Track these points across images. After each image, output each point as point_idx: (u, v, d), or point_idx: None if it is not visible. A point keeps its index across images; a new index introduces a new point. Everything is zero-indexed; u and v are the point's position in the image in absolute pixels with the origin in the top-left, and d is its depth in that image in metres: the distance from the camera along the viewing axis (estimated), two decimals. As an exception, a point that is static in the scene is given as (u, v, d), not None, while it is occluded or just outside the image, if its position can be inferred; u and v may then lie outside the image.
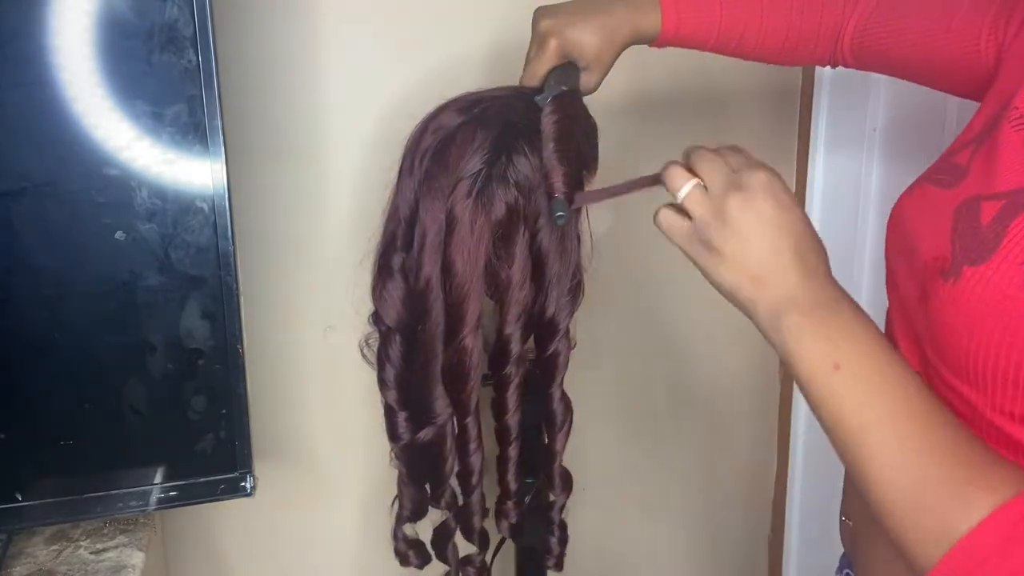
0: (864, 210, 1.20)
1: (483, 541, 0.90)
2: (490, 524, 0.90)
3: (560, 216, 0.67)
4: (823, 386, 0.51)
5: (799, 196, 1.28)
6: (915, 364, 0.60)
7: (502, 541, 0.95)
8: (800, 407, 1.32)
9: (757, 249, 0.54)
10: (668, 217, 0.59)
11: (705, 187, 0.57)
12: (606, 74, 0.80)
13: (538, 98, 0.76)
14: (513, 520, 0.87)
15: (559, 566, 0.90)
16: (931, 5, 0.73)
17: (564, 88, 0.75)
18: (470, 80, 0.83)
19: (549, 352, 0.79)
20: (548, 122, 0.73)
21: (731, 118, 1.23)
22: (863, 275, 1.22)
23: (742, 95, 1.22)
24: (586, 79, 0.78)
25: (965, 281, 0.52)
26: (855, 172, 1.19)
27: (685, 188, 0.58)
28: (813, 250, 0.55)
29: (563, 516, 0.90)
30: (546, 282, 0.77)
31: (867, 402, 0.50)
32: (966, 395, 0.54)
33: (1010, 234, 0.51)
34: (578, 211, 0.76)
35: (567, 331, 0.79)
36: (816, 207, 1.25)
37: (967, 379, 0.53)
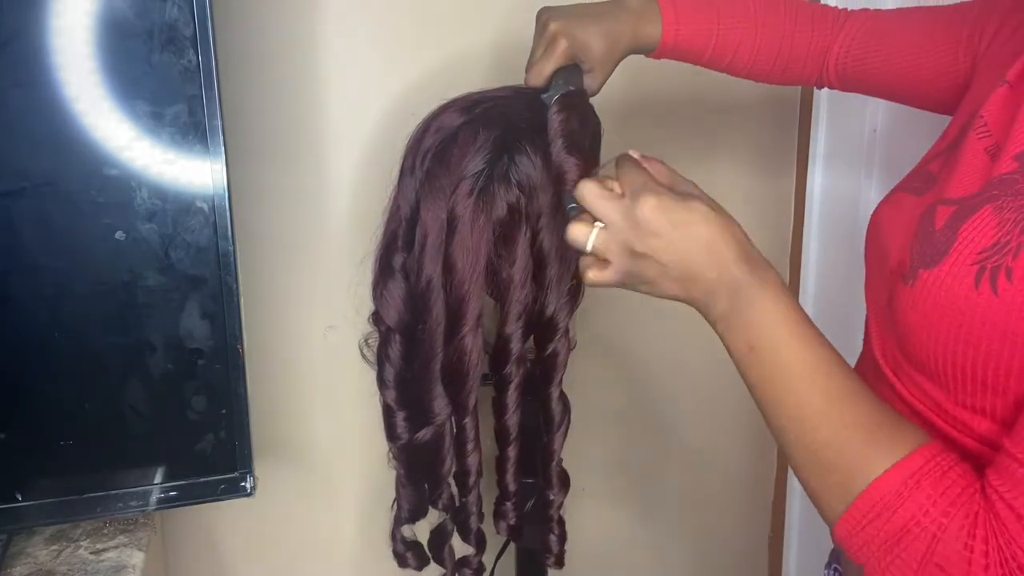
0: (863, 218, 1.19)
1: (480, 542, 0.90)
2: (488, 526, 0.90)
3: (573, 208, 0.67)
4: (741, 365, 0.59)
5: (798, 203, 1.29)
6: (888, 365, 0.62)
7: (506, 544, 0.95)
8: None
9: (672, 263, 0.59)
10: (593, 272, 0.62)
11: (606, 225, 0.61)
12: (607, 78, 0.80)
13: (544, 95, 0.75)
14: (511, 521, 0.87)
15: (559, 564, 0.90)
16: (910, 28, 0.78)
17: (572, 88, 0.75)
18: (470, 80, 0.83)
19: (548, 352, 0.79)
20: (556, 120, 0.72)
21: (730, 126, 1.23)
22: (862, 281, 1.22)
23: (742, 102, 1.22)
24: (589, 81, 0.79)
25: (921, 284, 0.55)
26: (854, 180, 1.19)
27: (590, 238, 0.61)
28: (725, 241, 0.58)
29: (561, 514, 0.90)
30: (546, 282, 0.77)
31: (775, 378, 0.56)
32: (930, 392, 0.57)
33: (960, 237, 0.54)
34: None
35: (567, 331, 0.79)
36: (815, 213, 1.25)
37: (930, 376, 0.56)
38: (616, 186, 0.62)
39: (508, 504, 0.87)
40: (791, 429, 0.56)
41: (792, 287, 1.32)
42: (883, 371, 0.62)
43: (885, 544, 0.50)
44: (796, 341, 0.56)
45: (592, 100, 0.79)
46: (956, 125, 0.66)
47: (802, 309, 0.58)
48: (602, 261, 0.62)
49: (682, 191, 0.62)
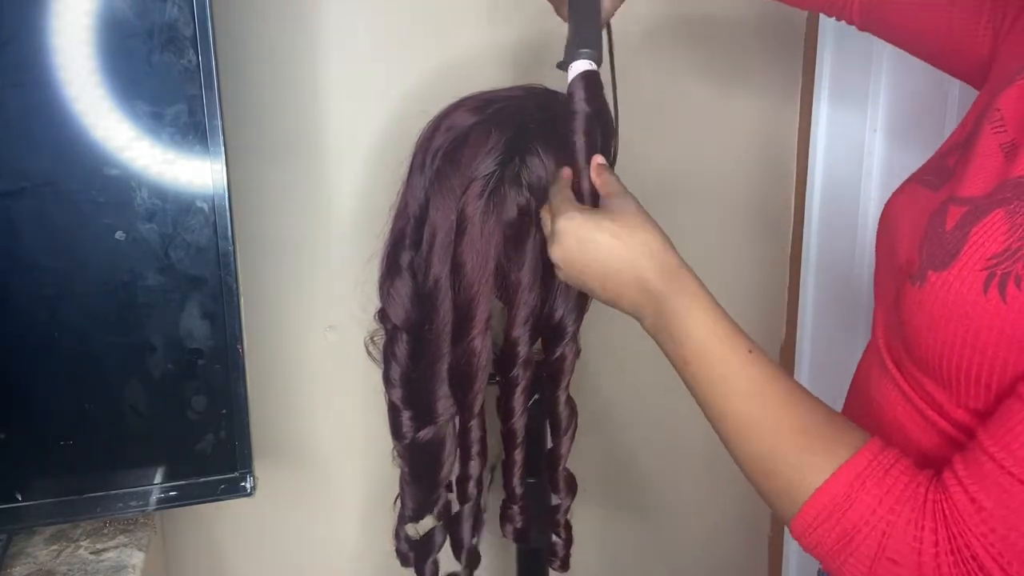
0: (868, 164, 1.18)
1: (471, 559, 0.88)
2: (492, 528, 0.90)
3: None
4: (682, 376, 0.61)
5: (802, 144, 1.26)
6: (892, 359, 0.62)
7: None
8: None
9: (598, 282, 0.63)
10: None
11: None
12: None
13: (561, 63, 0.72)
14: (519, 524, 0.86)
15: (565, 567, 0.90)
16: None
17: (586, 55, 0.71)
18: (473, 80, 0.83)
19: (556, 355, 0.79)
20: (577, 121, 0.69)
21: (736, 57, 1.20)
22: (868, 232, 1.20)
23: (750, 25, 1.20)
24: (604, 2, 0.78)
25: (930, 286, 0.54)
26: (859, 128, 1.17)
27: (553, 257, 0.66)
28: (640, 257, 0.61)
29: (568, 518, 0.89)
30: (555, 286, 0.77)
31: (711, 390, 0.59)
32: (932, 391, 0.57)
33: (971, 240, 0.53)
34: None
35: (575, 335, 0.78)
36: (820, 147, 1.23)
37: (933, 376, 0.56)
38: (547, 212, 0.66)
39: (515, 507, 0.86)
40: (732, 439, 0.58)
41: (795, 242, 1.31)
42: (887, 365, 0.62)
43: (838, 544, 0.52)
44: (725, 351, 0.58)
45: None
46: (975, 112, 0.65)
47: (725, 314, 0.60)
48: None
49: (610, 207, 0.64)
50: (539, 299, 0.76)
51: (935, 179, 0.63)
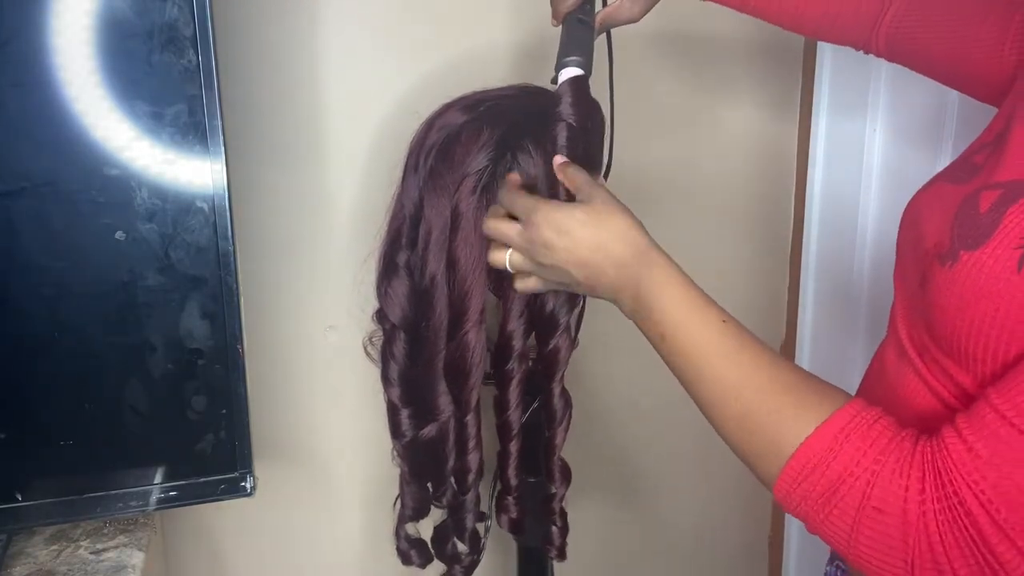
0: (868, 166, 1.18)
1: (474, 542, 0.90)
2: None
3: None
4: (660, 353, 0.64)
5: (802, 143, 1.26)
6: (914, 347, 0.62)
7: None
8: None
9: (574, 268, 0.65)
10: (519, 284, 0.71)
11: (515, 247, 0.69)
12: (650, 7, 0.83)
13: (553, 77, 0.76)
14: (513, 515, 0.87)
15: (561, 556, 0.90)
16: (967, 9, 0.75)
17: (581, 71, 0.75)
18: (474, 81, 0.83)
19: (550, 348, 0.79)
20: (560, 127, 0.73)
21: (735, 71, 1.21)
22: (867, 233, 1.20)
23: (748, 45, 1.21)
24: (630, 6, 0.82)
25: (961, 265, 0.55)
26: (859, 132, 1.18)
27: (506, 261, 0.70)
28: (612, 239, 0.64)
29: (563, 506, 0.90)
30: None
31: (690, 359, 0.61)
32: (955, 375, 0.57)
33: (1006, 220, 0.53)
34: None
35: (567, 327, 0.79)
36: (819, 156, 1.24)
37: (957, 359, 0.56)
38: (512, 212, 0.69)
39: (510, 498, 0.87)
40: (715, 403, 0.59)
41: (795, 242, 1.32)
42: (908, 353, 0.62)
43: (823, 496, 0.53)
44: (701, 321, 0.61)
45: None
46: (1002, 117, 0.65)
47: (697, 288, 0.63)
48: (525, 274, 0.70)
49: (580, 196, 0.67)
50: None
51: (963, 175, 0.63)
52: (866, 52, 0.85)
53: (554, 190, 0.72)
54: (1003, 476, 0.47)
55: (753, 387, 0.57)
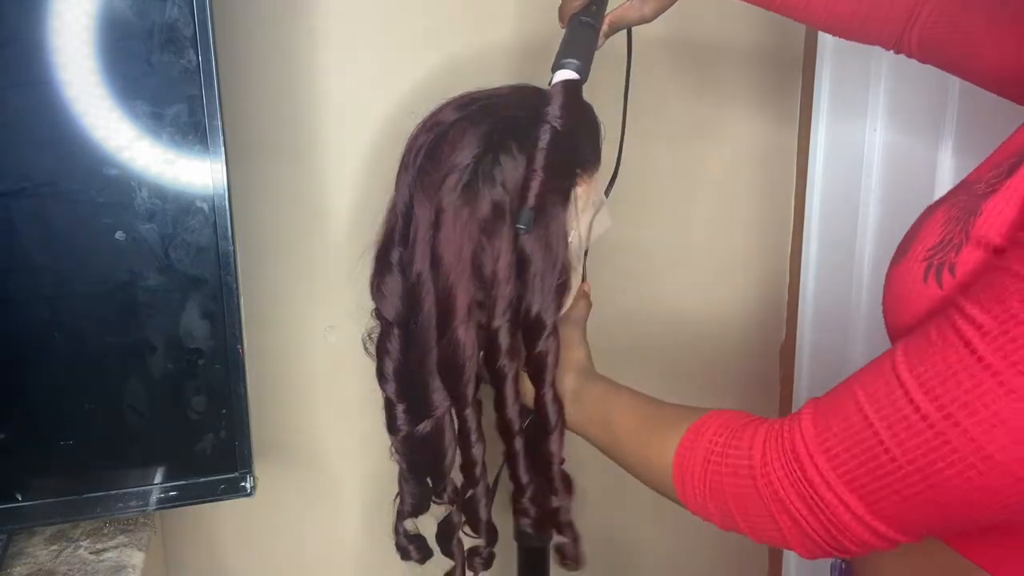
0: (868, 166, 1.17)
1: (490, 533, 0.89)
2: (502, 521, 0.90)
3: (522, 228, 0.73)
4: (588, 435, 0.80)
5: (802, 143, 1.25)
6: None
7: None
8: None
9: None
10: None
11: None
12: (665, 8, 0.84)
13: (549, 79, 0.77)
14: (534, 514, 0.87)
15: (578, 563, 0.91)
16: (1000, 14, 0.74)
17: (570, 66, 0.75)
18: (474, 82, 0.83)
19: (537, 351, 0.79)
20: (544, 130, 0.74)
21: (735, 74, 1.21)
22: (866, 245, 1.20)
23: (745, 50, 1.20)
24: (640, 7, 0.83)
25: (888, 277, 0.60)
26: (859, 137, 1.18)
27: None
28: (573, 368, 0.83)
29: (569, 517, 0.90)
30: (530, 280, 0.77)
31: (606, 426, 0.76)
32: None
33: (920, 236, 0.57)
34: (563, 211, 0.77)
35: (555, 330, 0.79)
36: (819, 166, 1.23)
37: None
38: None
39: (525, 499, 0.86)
40: (618, 457, 0.74)
41: (795, 243, 1.32)
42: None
43: (704, 491, 0.60)
44: (608, 395, 0.78)
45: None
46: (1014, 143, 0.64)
47: (617, 385, 0.79)
48: None
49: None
50: (515, 293, 0.77)
51: (965, 200, 0.64)
52: (896, 52, 0.84)
53: (524, 195, 0.73)
54: (827, 427, 0.53)
55: (631, 428, 0.70)
